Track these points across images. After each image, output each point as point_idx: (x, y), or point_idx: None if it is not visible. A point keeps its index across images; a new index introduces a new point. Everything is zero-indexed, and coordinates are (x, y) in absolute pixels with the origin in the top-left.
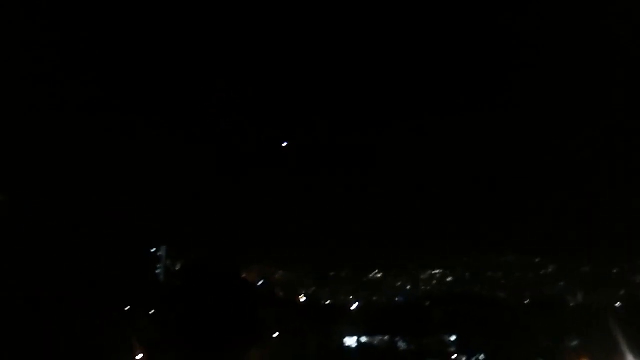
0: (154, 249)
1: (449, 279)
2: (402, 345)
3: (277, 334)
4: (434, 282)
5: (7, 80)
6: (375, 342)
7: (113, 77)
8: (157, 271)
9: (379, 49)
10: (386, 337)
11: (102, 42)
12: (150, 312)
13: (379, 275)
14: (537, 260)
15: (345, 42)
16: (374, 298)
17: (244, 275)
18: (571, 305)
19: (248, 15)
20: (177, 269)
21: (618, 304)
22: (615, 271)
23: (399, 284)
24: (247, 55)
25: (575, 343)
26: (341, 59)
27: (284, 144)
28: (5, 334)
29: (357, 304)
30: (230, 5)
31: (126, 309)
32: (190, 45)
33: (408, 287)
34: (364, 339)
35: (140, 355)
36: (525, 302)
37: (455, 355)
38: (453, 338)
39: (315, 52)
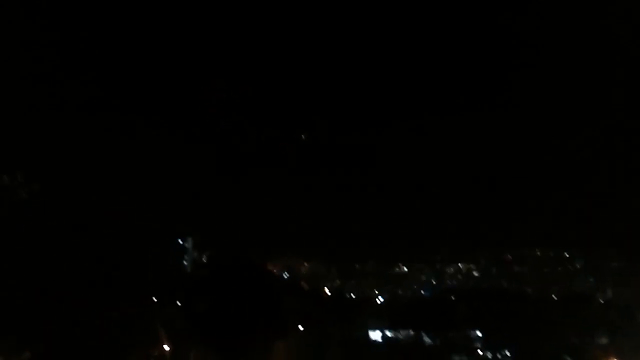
0: (181, 240)
1: (474, 274)
2: (427, 339)
3: (301, 326)
4: (460, 276)
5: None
6: (400, 336)
7: (131, 76)
8: (184, 262)
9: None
10: (411, 331)
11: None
12: (177, 303)
13: (404, 269)
14: (565, 254)
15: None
16: (399, 292)
17: (269, 267)
18: (600, 301)
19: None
20: (203, 260)
21: None
22: None
23: (423, 277)
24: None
25: (604, 340)
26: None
27: (303, 136)
28: (35, 323)
29: (381, 297)
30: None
31: (153, 299)
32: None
33: (433, 281)
34: (388, 333)
35: (167, 347)
36: (553, 297)
37: (481, 351)
38: (478, 333)
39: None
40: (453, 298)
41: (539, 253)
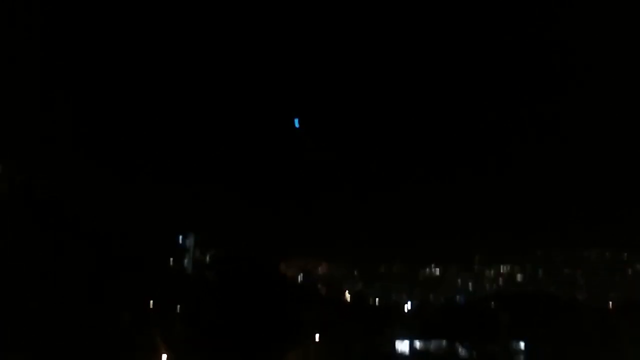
0: (181, 237)
1: (518, 277)
2: (462, 351)
3: (319, 336)
4: (501, 280)
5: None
6: (431, 348)
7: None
8: (184, 263)
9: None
10: (444, 343)
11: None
12: (177, 309)
13: (436, 271)
14: (623, 256)
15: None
16: (430, 297)
17: (282, 269)
18: None
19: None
20: (206, 260)
21: None
22: None
23: (459, 281)
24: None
25: None
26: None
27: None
28: (24, 330)
29: (410, 303)
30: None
31: (149, 304)
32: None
33: (470, 286)
34: (417, 344)
35: (165, 356)
36: (609, 305)
37: None
38: (522, 345)
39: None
40: (493, 305)
41: (593, 255)
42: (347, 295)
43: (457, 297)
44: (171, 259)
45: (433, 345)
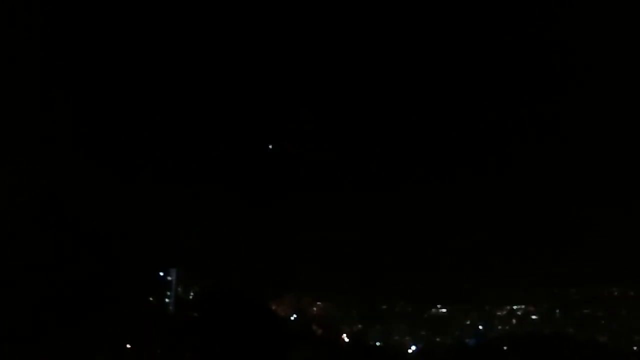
0: (162, 273)
1: (533, 317)
2: None
3: None
4: (514, 320)
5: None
6: None
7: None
8: (165, 300)
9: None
10: None
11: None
12: (157, 352)
13: (443, 311)
14: None
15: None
16: (437, 339)
17: (273, 307)
18: None
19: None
20: (190, 297)
21: None
22: None
23: (468, 322)
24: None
25: None
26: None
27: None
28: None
29: (414, 346)
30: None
31: (126, 346)
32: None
33: (480, 327)
34: None
35: None
36: (634, 348)
37: None
38: None
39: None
40: (505, 348)
41: (615, 293)
42: (345, 337)
43: (466, 339)
44: (151, 296)
45: None
